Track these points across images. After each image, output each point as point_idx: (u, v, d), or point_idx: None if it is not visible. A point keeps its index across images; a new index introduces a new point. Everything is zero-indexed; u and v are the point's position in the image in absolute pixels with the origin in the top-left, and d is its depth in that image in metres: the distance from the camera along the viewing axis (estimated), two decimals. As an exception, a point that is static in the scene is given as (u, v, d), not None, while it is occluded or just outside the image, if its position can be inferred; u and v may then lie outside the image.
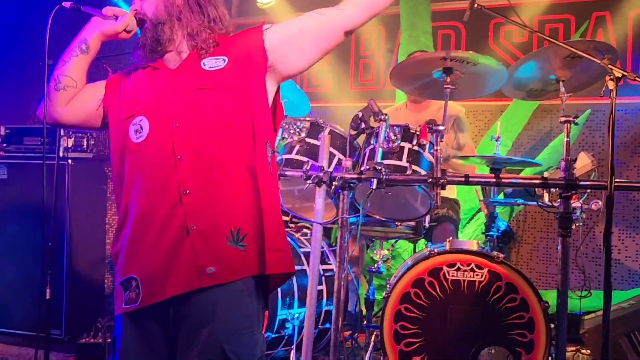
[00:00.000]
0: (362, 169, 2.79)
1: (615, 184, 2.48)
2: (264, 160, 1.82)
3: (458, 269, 2.72)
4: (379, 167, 2.61)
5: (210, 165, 1.76)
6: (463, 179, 2.70)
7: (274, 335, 3.09)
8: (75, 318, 4.03)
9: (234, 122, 1.80)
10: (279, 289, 3.07)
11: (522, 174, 4.03)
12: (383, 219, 3.12)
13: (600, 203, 2.86)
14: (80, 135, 4.56)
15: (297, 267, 3.24)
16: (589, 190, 2.85)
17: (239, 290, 1.75)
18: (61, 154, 4.24)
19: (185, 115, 1.79)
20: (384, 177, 2.62)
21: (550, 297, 3.37)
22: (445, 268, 2.73)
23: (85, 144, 4.63)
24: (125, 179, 1.84)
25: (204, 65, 1.84)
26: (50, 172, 3.45)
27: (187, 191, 1.74)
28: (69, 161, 4.20)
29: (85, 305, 4.18)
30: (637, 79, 2.48)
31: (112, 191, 1.91)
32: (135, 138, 1.82)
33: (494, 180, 2.70)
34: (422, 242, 3.62)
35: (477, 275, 2.70)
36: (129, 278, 1.76)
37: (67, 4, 1.89)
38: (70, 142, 4.42)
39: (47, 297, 3.13)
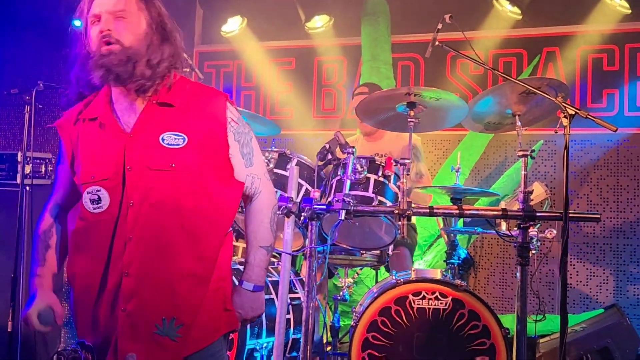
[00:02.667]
0: (329, 199, 2.86)
1: (570, 214, 2.63)
2: (218, 246, 1.84)
3: (423, 298, 2.81)
4: (348, 199, 2.69)
5: (157, 249, 1.74)
6: (428, 210, 2.80)
7: (241, 365, 3.11)
8: (33, 347, 3.93)
9: (187, 203, 1.77)
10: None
11: (479, 202, 4.18)
12: (349, 247, 3.19)
13: (554, 232, 3.00)
14: (38, 161, 4.50)
15: (265, 297, 3.27)
16: (544, 220, 2.99)
17: None
18: (19, 181, 4.17)
19: (139, 194, 1.75)
20: (352, 208, 2.69)
21: (506, 320, 3.49)
22: (411, 296, 2.81)
23: (43, 170, 4.57)
24: (76, 242, 1.86)
25: (163, 140, 1.77)
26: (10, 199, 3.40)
27: (127, 273, 1.74)
28: (27, 187, 4.13)
29: (44, 334, 4.10)
30: (589, 116, 2.64)
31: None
32: (91, 208, 1.78)
33: (457, 211, 2.80)
34: (383, 269, 3.70)
35: (441, 303, 2.79)
36: (80, 342, 1.78)
37: None
38: (29, 169, 4.35)
39: (9, 329, 3.09)
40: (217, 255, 1.84)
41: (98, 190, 1.78)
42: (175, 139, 1.78)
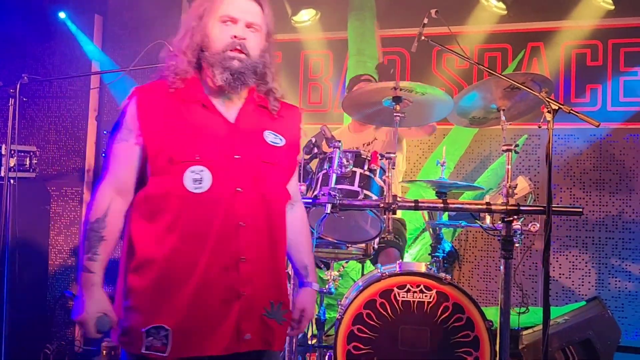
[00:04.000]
0: (315, 193, 2.87)
1: (553, 208, 2.67)
2: None
3: (408, 290, 2.83)
4: (334, 193, 2.70)
5: (266, 236, 1.86)
6: (413, 204, 2.82)
7: None
8: (18, 344, 3.92)
9: (282, 197, 1.96)
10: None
11: (464, 196, 4.21)
12: (335, 241, 3.20)
13: (537, 225, 3.04)
14: (23, 154, 4.47)
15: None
16: (527, 214, 3.02)
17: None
18: (3, 174, 4.14)
19: (248, 183, 1.84)
20: (338, 201, 2.71)
21: (490, 313, 3.53)
22: (396, 289, 2.83)
23: (28, 163, 4.54)
24: (166, 221, 1.79)
25: (266, 137, 1.91)
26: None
27: (244, 258, 1.80)
28: (12, 181, 4.10)
29: (29, 330, 4.07)
30: (572, 111, 2.67)
31: (130, 219, 1.83)
32: (192, 187, 1.78)
33: (442, 205, 2.83)
34: (369, 262, 3.72)
35: (426, 296, 2.82)
36: (157, 327, 1.73)
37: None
38: (13, 162, 4.32)
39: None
40: None
41: (201, 171, 1.79)
42: (274, 137, 1.93)
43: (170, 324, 1.74)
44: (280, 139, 1.93)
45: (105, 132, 5.22)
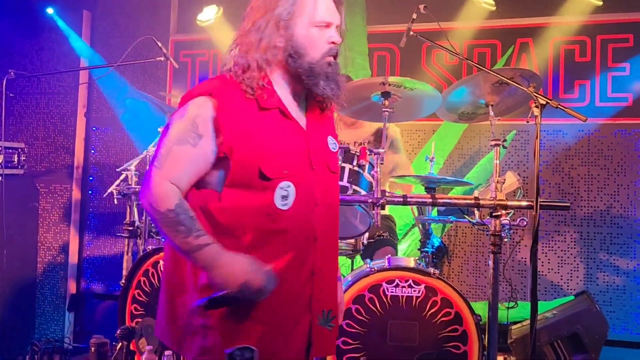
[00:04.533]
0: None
1: (541, 203, 2.68)
2: None
3: (397, 285, 2.84)
4: (322, 188, 2.70)
5: (333, 248, 1.85)
6: (401, 199, 2.82)
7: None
8: (7, 342, 3.90)
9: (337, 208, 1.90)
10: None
11: (453, 192, 4.23)
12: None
13: (526, 220, 3.05)
14: (11, 150, 4.44)
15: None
16: (516, 209, 3.04)
17: None
18: (-10, 170, 4.12)
19: (321, 195, 1.77)
20: (327, 197, 2.71)
21: (479, 307, 3.54)
22: (384, 284, 2.84)
23: (16, 160, 4.51)
24: (250, 237, 1.68)
25: (329, 144, 1.84)
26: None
27: (316, 272, 1.76)
28: (0, 178, 4.08)
29: (17, 327, 4.05)
30: (560, 106, 2.69)
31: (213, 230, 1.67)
32: (280, 204, 1.69)
33: (431, 200, 2.84)
34: (358, 258, 3.73)
35: (414, 290, 2.83)
36: (242, 348, 1.48)
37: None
38: (1, 159, 4.29)
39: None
40: None
41: (288, 187, 1.71)
42: (333, 143, 1.86)
43: (253, 344, 1.54)
44: (335, 143, 1.87)
45: (94, 128, 5.21)
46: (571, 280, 4.31)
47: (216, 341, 1.66)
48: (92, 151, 5.20)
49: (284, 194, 1.69)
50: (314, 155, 1.75)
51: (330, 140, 1.83)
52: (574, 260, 4.32)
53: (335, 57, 1.76)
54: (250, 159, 1.68)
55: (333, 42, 1.75)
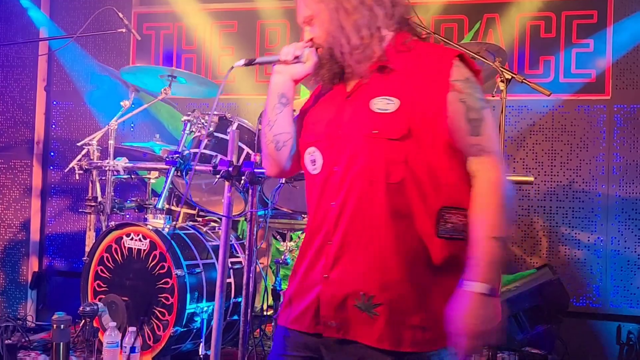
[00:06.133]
0: (270, 163, 2.84)
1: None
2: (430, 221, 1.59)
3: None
4: (288, 162, 2.67)
5: (358, 219, 1.61)
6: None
7: (182, 329, 3.10)
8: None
9: (388, 173, 1.60)
10: (188, 283, 3.08)
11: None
12: (290, 211, 3.20)
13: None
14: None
15: (205, 261, 3.26)
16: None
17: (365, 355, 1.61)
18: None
19: (345, 160, 1.64)
20: (293, 171, 2.68)
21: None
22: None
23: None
24: (307, 199, 1.80)
25: (373, 106, 1.62)
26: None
27: (331, 241, 1.63)
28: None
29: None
30: (524, 80, 2.71)
31: None
32: (311, 169, 1.73)
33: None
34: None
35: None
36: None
37: (241, 63, 1.81)
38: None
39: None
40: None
41: (314, 152, 1.71)
42: (387, 103, 1.61)
43: (287, 295, 1.78)
44: (395, 103, 1.60)
45: (55, 102, 5.07)
46: (534, 253, 4.39)
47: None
48: (53, 126, 5.08)
49: (312, 159, 1.72)
50: (343, 120, 1.68)
51: (380, 100, 1.61)
52: (537, 234, 4.40)
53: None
54: (298, 130, 1.81)
55: None
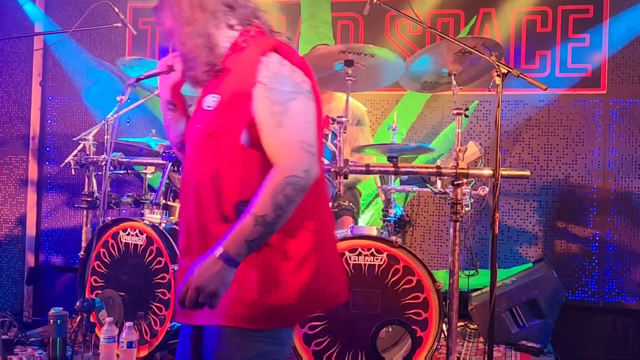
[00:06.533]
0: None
1: (501, 172, 2.71)
2: (234, 211, 1.66)
3: (359, 254, 2.85)
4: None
5: (193, 210, 1.73)
6: (364, 168, 2.83)
7: (179, 324, 3.10)
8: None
9: (208, 164, 1.70)
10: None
11: (416, 162, 4.25)
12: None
13: (486, 189, 3.09)
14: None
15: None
16: (477, 178, 3.07)
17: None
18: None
19: (188, 155, 1.82)
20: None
21: (440, 275, 3.59)
22: (347, 253, 2.85)
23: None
24: None
25: (204, 102, 1.73)
26: None
27: (179, 231, 1.86)
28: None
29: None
30: (521, 75, 2.71)
31: None
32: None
33: (393, 169, 2.84)
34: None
35: (377, 259, 2.85)
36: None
37: (131, 81, 1.99)
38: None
39: None
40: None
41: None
42: (212, 100, 1.71)
43: None
44: (214, 100, 1.71)
45: (50, 97, 5.06)
46: (530, 247, 4.41)
47: None
48: (49, 121, 5.06)
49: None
50: (192, 118, 1.83)
51: (208, 98, 1.73)
52: (533, 229, 4.41)
53: None
54: None
55: None
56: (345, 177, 2.76)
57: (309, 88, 1.70)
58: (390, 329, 2.95)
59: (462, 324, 3.95)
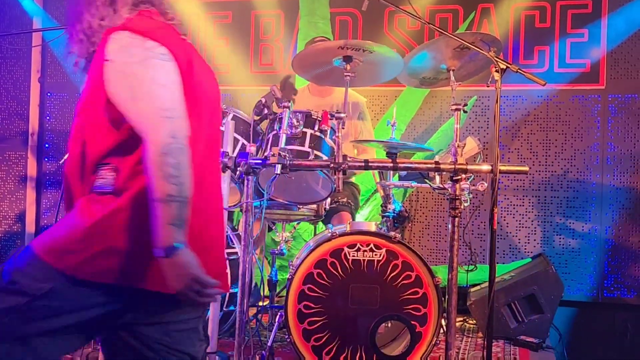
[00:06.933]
0: (266, 154, 2.85)
1: (500, 167, 2.72)
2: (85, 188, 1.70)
3: (358, 250, 2.85)
4: (284, 154, 2.68)
5: (67, 191, 1.77)
6: (363, 164, 2.82)
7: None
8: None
9: (77, 148, 1.74)
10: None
11: (415, 157, 4.25)
12: (286, 202, 3.20)
13: (485, 184, 3.09)
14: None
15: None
16: (475, 173, 3.07)
17: None
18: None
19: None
20: (288, 162, 2.69)
21: (439, 271, 3.60)
22: (346, 249, 2.85)
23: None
24: None
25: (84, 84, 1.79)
26: None
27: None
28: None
29: None
30: (519, 70, 2.71)
31: None
32: None
33: (392, 165, 2.84)
34: (321, 223, 3.74)
35: (376, 254, 2.85)
36: None
37: None
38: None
39: None
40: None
41: None
42: (83, 83, 1.78)
43: None
44: (83, 83, 1.78)
45: (49, 93, 5.05)
46: (528, 243, 4.41)
47: None
48: (48, 117, 5.06)
49: None
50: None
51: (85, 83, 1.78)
52: (532, 224, 4.42)
53: None
54: None
55: None
56: (344, 173, 2.76)
57: (163, 50, 1.65)
58: (389, 324, 2.96)
59: (461, 319, 3.96)
